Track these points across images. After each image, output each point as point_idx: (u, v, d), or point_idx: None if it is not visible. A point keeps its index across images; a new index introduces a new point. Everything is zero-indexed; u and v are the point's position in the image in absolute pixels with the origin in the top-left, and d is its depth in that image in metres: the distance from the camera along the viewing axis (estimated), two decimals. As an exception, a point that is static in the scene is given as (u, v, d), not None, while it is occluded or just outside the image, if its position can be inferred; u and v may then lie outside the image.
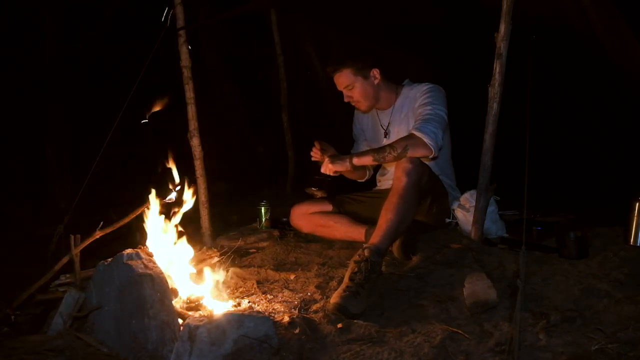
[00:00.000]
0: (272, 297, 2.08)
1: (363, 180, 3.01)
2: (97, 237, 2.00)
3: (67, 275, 1.99)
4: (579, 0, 2.44)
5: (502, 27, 2.14)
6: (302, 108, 4.79)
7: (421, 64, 3.94)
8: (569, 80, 3.90)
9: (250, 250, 2.78)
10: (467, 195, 2.50)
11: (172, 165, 2.17)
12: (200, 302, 1.93)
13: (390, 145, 2.36)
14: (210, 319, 1.60)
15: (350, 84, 2.61)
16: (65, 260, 1.93)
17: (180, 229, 2.12)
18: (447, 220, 2.64)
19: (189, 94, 2.75)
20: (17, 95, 4.23)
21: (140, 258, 1.72)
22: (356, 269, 1.96)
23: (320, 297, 2.04)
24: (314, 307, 1.94)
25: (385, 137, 2.76)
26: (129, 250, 1.74)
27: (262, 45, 4.97)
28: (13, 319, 1.86)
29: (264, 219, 3.06)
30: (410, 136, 2.37)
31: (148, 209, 2.04)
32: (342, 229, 2.69)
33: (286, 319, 1.78)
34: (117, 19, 4.70)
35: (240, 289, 2.20)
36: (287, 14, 4.34)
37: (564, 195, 3.65)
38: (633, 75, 2.63)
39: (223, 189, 4.39)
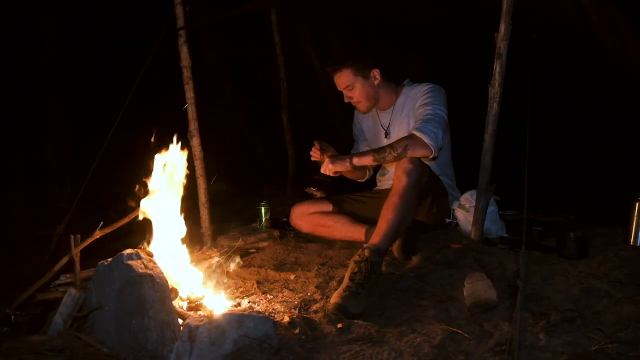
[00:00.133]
0: (272, 297, 2.08)
1: (363, 180, 3.00)
2: (97, 237, 2.00)
3: (67, 275, 1.99)
4: (579, 0, 2.44)
5: (502, 27, 2.14)
6: (302, 108, 4.78)
7: (421, 64, 3.95)
8: (569, 80, 3.89)
9: (250, 250, 2.78)
10: (467, 195, 2.50)
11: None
12: (200, 302, 1.93)
13: (391, 146, 2.36)
14: (210, 319, 1.60)
15: (350, 84, 2.61)
16: (65, 260, 1.93)
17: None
18: (447, 220, 2.64)
19: (189, 94, 2.74)
20: (17, 95, 4.23)
21: (140, 258, 1.72)
22: (356, 269, 1.96)
23: (320, 297, 2.04)
24: (314, 307, 1.94)
25: (386, 137, 2.76)
26: (129, 250, 1.74)
27: (262, 45, 4.97)
28: (13, 319, 1.87)
29: (264, 219, 3.06)
30: (411, 136, 2.37)
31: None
32: (342, 229, 2.69)
33: (286, 319, 1.77)
34: (117, 19, 4.70)
35: (240, 289, 2.20)
36: (287, 14, 4.34)
37: (564, 195, 3.65)
38: (633, 75, 2.63)
39: (223, 189, 4.39)
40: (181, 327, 1.66)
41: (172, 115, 2.88)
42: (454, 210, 2.57)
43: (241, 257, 2.66)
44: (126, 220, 2.06)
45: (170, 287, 1.77)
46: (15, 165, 4.15)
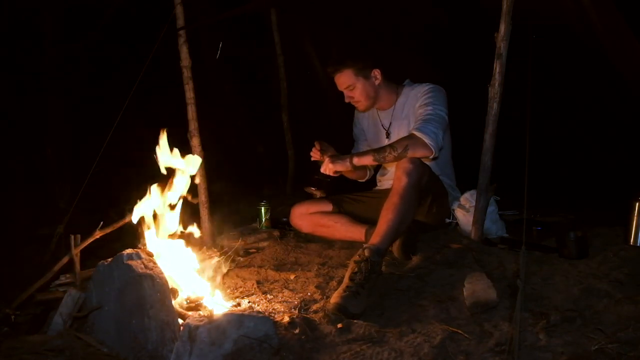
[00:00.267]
0: (272, 297, 2.08)
1: (363, 181, 3.01)
2: (97, 237, 2.00)
3: (67, 275, 1.99)
4: (579, 0, 2.44)
5: (502, 27, 2.14)
6: (302, 108, 4.78)
7: (421, 64, 3.95)
8: (569, 80, 3.90)
9: (250, 250, 2.78)
10: (467, 195, 2.50)
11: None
12: (200, 302, 1.93)
13: (391, 146, 2.36)
14: (210, 319, 1.60)
15: (351, 85, 2.61)
16: (65, 260, 1.93)
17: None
18: (447, 220, 2.64)
19: (189, 94, 2.75)
20: (17, 95, 4.23)
21: (140, 258, 1.72)
22: (356, 269, 1.96)
23: (320, 297, 2.04)
24: (314, 307, 1.94)
25: (387, 137, 2.76)
26: (129, 250, 1.74)
27: (262, 45, 4.96)
28: (13, 319, 1.87)
29: (264, 219, 3.06)
30: (411, 136, 2.37)
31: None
32: (342, 229, 2.69)
33: (286, 319, 1.77)
34: (117, 19, 4.69)
35: (240, 289, 2.20)
36: (287, 14, 4.34)
37: (564, 195, 3.65)
38: (633, 75, 2.63)
39: (223, 189, 4.39)
40: (181, 327, 1.66)
41: (173, 115, 2.88)
42: (454, 210, 2.57)
43: (241, 257, 2.66)
44: (126, 220, 2.06)
45: (170, 287, 1.77)
46: (15, 165, 4.15)
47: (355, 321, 1.76)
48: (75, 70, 4.63)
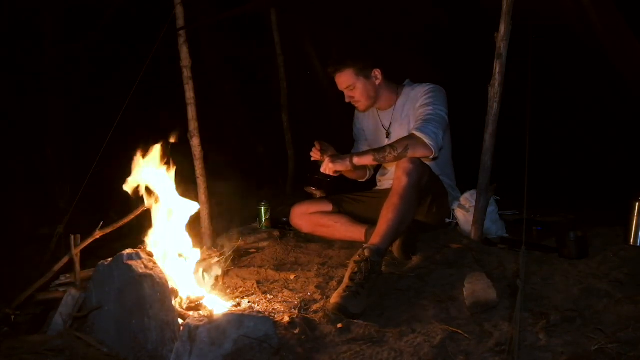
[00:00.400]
0: (272, 297, 2.08)
1: (363, 180, 3.00)
2: (97, 237, 2.00)
3: (67, 275, 1.99)
4: (579, 0, 2.44)
5: (502, 27, 2.14)
6: (302, 108, 4.78)
7: (421, 64, 3.95)
8: (569, 80, 3.90)
9: (250, 250, 2.78)
10: (467, 195, 2.50)
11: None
12: (200, 302, 1.93)
13: (391, 145, 2.36)
14: (210, 319, 1.60)
15: (352, 85, 2.61)
16: (65, 260, 1.93)
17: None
18: (447, 220, 2.64)
19: (189, 94, 2.74)
20: (17, 95, 4.23)
21: (140, 258, 1.72)
22: (356, 269, 1.96)
23: (320, 297, 2.04)
24: (314, 307, 1.94)
25: (387, 137, 2.76)
26: (129, 250, 1.74)
27: (262, 45, 4.96)
28: (13, 319, 1.86)
29: (264, 219, 3.06)
30: (411, 136, 2.37)
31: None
32: (342, 229, 2.69)
33: (286, 319, 1.78)
34: (117, 19, 4.69)
35: (240, 289, 2.20)
36: (287, 14, 4.34)
37: (564, 195, 3.65)
38: (633, 75, 2.63)
39: (223, 189, 4.39)
40: (181, 327, 1.66)
41: (173, 115, 2.87)
42: (454, 210, 2.57)
43: (241, 257, 2.66)
44: (126, 220, 2.06)
45: (170, 287, 1.77)
46: (15, 165, 4.15)
47: (355, 321, 1.76)
48: (75, 70, 4.63)
